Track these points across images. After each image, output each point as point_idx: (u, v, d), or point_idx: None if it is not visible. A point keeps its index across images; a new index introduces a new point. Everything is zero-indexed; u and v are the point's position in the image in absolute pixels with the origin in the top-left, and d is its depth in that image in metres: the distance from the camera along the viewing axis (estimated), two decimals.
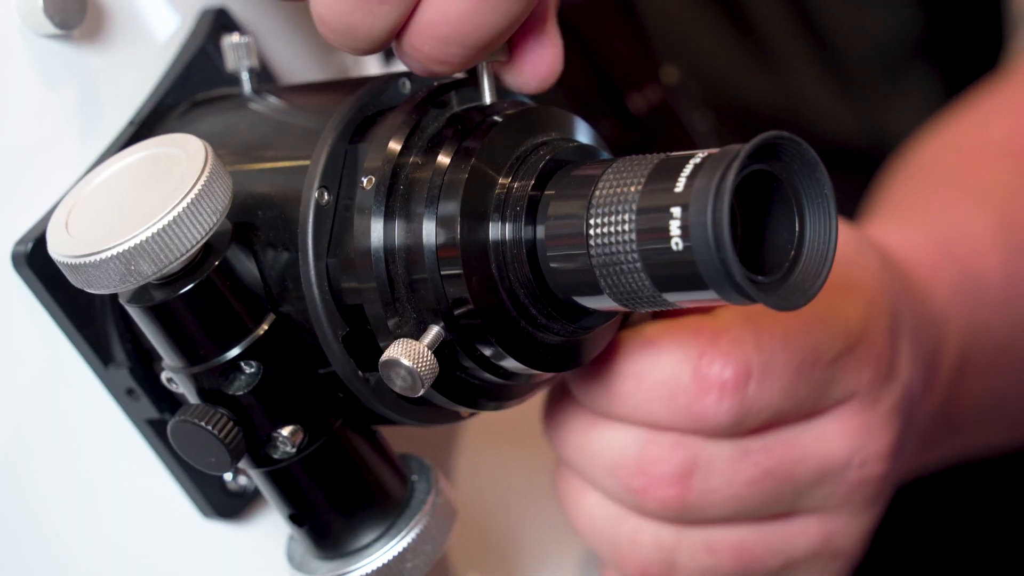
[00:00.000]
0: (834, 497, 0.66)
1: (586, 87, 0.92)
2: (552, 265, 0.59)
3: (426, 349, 0.59)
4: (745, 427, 0.64)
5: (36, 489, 0.68)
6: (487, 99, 0.62)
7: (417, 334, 0.60)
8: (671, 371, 0.63)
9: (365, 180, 0.60)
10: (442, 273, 0.59)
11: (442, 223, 0.59)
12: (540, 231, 0.59)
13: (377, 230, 0.60)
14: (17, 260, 0.64)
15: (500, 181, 0.59)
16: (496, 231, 0.59)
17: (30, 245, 0.64)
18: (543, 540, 0.81)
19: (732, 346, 0.63)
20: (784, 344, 0.63)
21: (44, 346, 0.66)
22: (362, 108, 0.62)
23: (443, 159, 0.60)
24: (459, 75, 0.65)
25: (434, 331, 0.59)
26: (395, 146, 0.61)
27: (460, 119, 0.61)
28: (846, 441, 0.66)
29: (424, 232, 0.59)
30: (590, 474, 0.66)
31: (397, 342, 0.59)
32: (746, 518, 0.66)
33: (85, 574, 0.69)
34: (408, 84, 0.64)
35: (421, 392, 0.59)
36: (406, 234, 0.60)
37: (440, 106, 0.62)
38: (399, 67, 0.81)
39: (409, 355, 0.58)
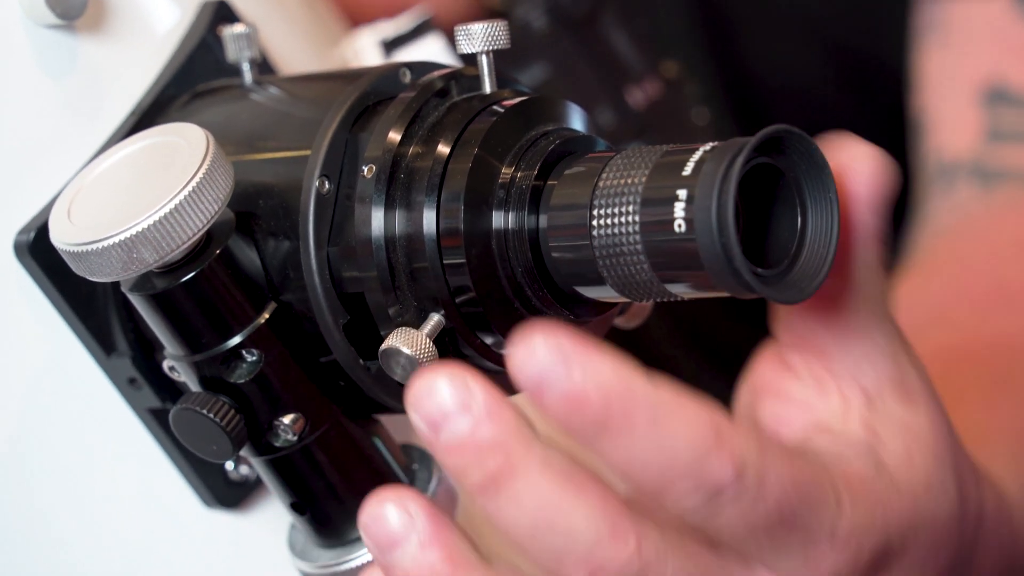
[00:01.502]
0: None
1: (586, 80, 0.92)
2: (554, 254, 0.59)
3: (426, 338, 0.59)
4: (698, 525, 0.58)
5: (38, 479, 0.68)
6: (487, 88, 0.63)
7: (418, 323, 0.60)
8: (682, 451, 0.55)
9: (366, 169, 0.61)
10: (444, 261, 0.59)
11: (445, 212, 0.59)
12: (543, 220, 0.59)
13: (378, 219, 0.60)
14: (19, 249, 0.65)
15: (503, 170, 0.60)
16: (499, 220, 0.59)
17: (32, 234, 0.64)
18: None
19: (737, 456, 0.56)
20: (778, 472, 0.57)
21: (46, 335, 0.66)
22: (363, 98, 0.63)
23: (443, 148, 0.60)
24: (459, 64, 0.65)
25: (434, 319, 0.59)
26: (395, 135, 0.61)
27: (461, 108, 0.62)
28: None
29: (425, 221, 0.59)
30: (523, 543, 0.57)
31: (397, 331, 0.59)
32: None
33: (87, 564, 0.70)
34: (408, 74, 0.64)
35: None
36: (407, 223, 0.60)
37: (440, 95, 0.62)
38: (399, 58, 0.82)
39: (409, 343, 0.59)
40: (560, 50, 0.92)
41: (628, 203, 0.56)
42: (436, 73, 0.63)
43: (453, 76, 0.63)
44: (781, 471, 0.58)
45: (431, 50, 0.83)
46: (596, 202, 0.57)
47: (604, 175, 0.57)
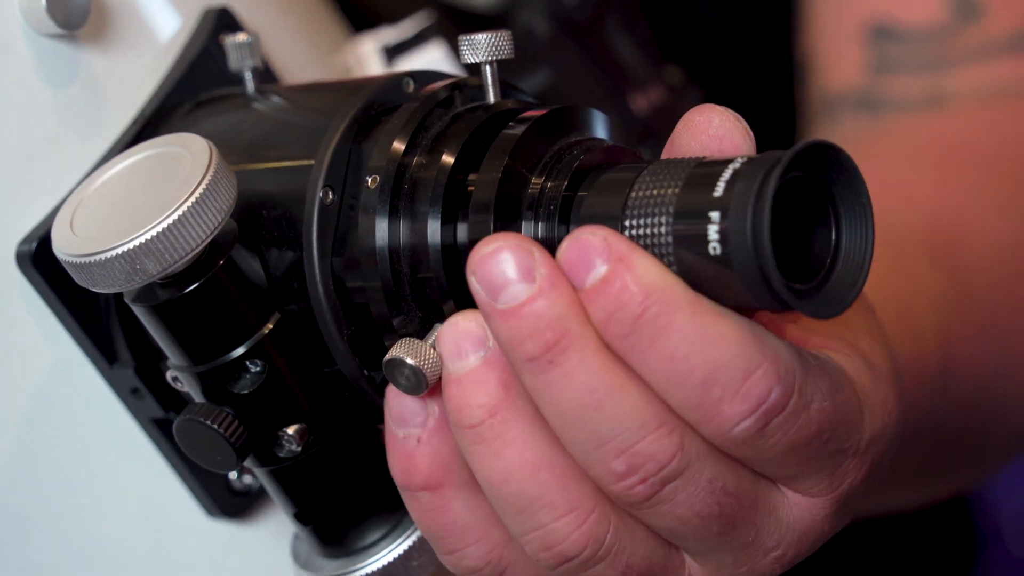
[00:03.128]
0: (732, 563, 0.61)
1: (589, 86, 0.92)
2: None
3: (430, 348, 0.59)
4: (739, 454, 0.58)
5: (41, 489, 0.68)
6: (491, 98, 0.62)
7: (422, 333, 0.60)
8: (728, 359, 0.55)
9: (370, 179, 0.60)
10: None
11: (474, 222, 0.58)
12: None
13: (382, 229, 0.60)
14: (21, 259, 0.65)
15: (533, 180, 0.59)
16: (528, 230, 0.59)
17: (34, 244, 0.64)
18: None
19: (789, 375, 0.56)
20: (819, 406, 0.57)
21: (49, 345, 0.66)
22: (366, 107, 0.63)
23: (447, 159, 0.60)
24: (461, 72, 0.65)
25: (439, 330, 0.59)
26: (399, 145, 0.61)
27: (465, 119, 0.61)
28: (785, 531, 0.60)
29: (429, 231, 0.59)
30: (567, 424, 0.56)
31: (401, 341, 0.59)
32: (662, 539, 0.60)
33: (90, 573, 0.69)
34: (412, 84, 0.64)
35: (425, 391, 0.59)
36: (411, 233, 0.60)
37: (444, 105, 0.62)
38: (402, 66, 0.82)
39: (413, 354, 0.58)
40: (563, 56, 0.92)
41: (661, 218, 0.55)
42: (440, 83, 0.63)
43: (457, 86, 0.63)
44: (823, 388, 0.57)
45: (433, 57, 0.82)
46: (628, 214, 0.56)
47: (636, 187, 0.56)
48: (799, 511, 0.60)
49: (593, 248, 0.55)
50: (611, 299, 0.55)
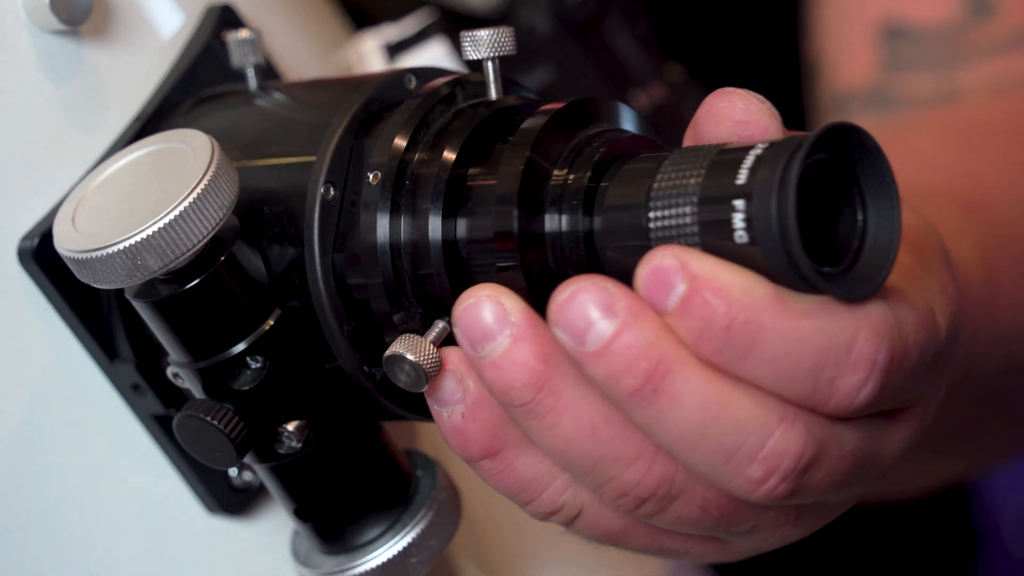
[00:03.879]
0: (842, 495, 0.61)
1: (590, 84, 0.92)
2: (610, 256, 0.58)
3: (430, 344, 0.59)
4: (863, 413, 0.57)
5: (41, 485, 0.68)
6: (493, 94, 0.62)
7: (422, 330, 0.60)
8: (827, 340, 0.54)
9: (371, 175, 0.60)
10: (498, 265, 0.58)
11: (498, 215, 0.58)
12: (597, 223, 0.58)
13: (383, 225, 0.60)
14: (23, 255, 0.65)
15: (555, 173, 0.59)
16: (552, 223, 0.58)
17: (36, 240, 0.64)
18: (546, 536, 0.81)
19: (886, 328, 0.55)
20: (914, 337, 0.57)
21: (50, 341, 0.66)
22: (368, 104, 0.63)
23: (449, 155, 0.60)
24: (464, 70, 0.65)
25: (439, 326, 0.59)
26: (401, 142, 0.61)
27: (467, 115, 0.61)
28: (894, 450, 0.60)
29: (430, 227, 0.59)
30: (691, 447, 0.56)
31: (402, 337, 0.59)
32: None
33: (89, 570, 0.70)
34: (414, 80, 0.64)
35: (425, 388, 0.59)
36: (412, 229, 0.60)
37: (446, 102, 0.62)
38: (404, 63, 0.82)
39: (413, 350, 0.58)
40: (564, 54, 0.92)
41: (686, 207, 0.55)
42: (442, 79, 0.63)
43: (459, 82, 0.63)
44: (911, 320, 0.57)
45: (435, 54, 0.82)
46: (652, 204, 0.56)
47: (659, 176, 0.56)
48: (900, 425, 0.60)
49: (668, 269, 0.54)
50: (696, 318, 0.54)
